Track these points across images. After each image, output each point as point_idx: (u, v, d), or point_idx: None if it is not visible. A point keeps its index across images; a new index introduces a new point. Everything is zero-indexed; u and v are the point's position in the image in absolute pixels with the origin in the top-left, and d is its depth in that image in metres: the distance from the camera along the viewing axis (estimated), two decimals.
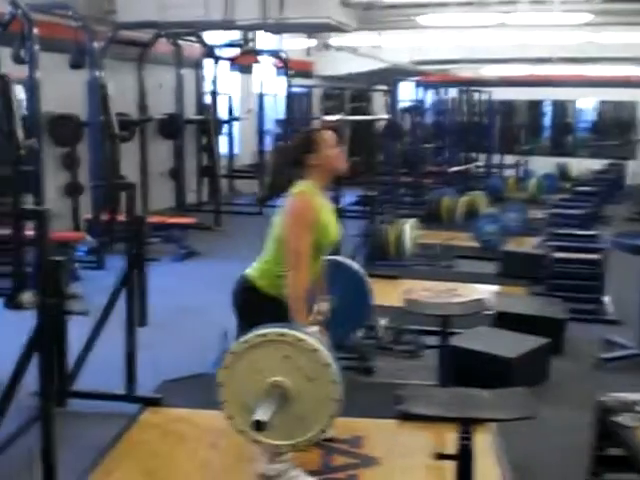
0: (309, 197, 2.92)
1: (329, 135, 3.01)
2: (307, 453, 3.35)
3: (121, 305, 3.91)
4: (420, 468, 3.35)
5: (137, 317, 3.93)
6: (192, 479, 3.22)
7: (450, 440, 3.54)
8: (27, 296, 5.44)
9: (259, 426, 2.28)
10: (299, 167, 2.99)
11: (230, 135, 11.95)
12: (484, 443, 3.42)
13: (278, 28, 8.88)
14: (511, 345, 4.48)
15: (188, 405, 3.97)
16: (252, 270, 3.03)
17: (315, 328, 2.87)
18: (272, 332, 2.44)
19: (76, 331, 3.78)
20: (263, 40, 11.47)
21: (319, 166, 2.97)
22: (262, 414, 2.29)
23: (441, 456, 2.64)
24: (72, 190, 8.52)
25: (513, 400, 2.75)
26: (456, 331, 4.53)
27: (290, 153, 3.04)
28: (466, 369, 4.24)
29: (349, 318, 3.74)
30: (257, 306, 2.96)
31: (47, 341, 2.82)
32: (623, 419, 2.69)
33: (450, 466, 2.74)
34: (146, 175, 10.00)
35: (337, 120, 9.88)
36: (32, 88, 5.87)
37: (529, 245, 8.98)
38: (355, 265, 3.98)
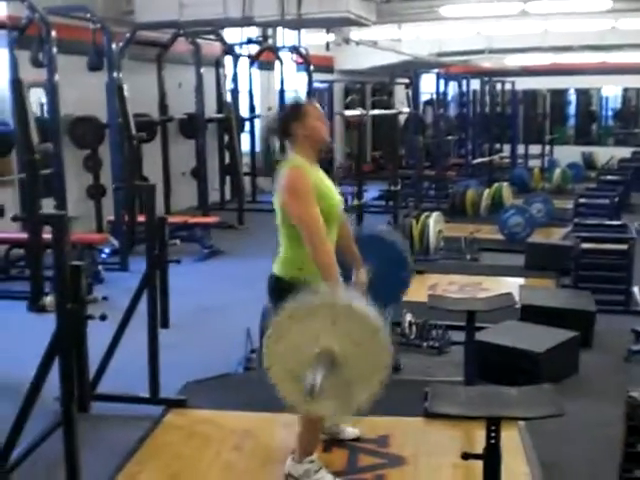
0: (301, 169, 2.96)
1: (315, 107, 3.11)
2: (333, 453, 3.32)
3: (143, 307, 3.90)
4: (448, 467, 3.28)
5: (159, 318, 3.91)
6: None
7: (479, 438, 3.49)
8: (50, 299, 5.48)
9: (311, 391, 2.24)
10: (287, 136, 3.06)
11: (252, 133, 11.93)
12: (512, 440, 3.35)
13: (297, 24, 8.83)
14: (539, 339, 4.40)
15: (212, 406, 3.94)
16: (276, 266, 3.06)
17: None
18: (320, 298, 2.39)
19: (99, 333, 3.76)
20: (283, 36, 11.42)
21: (306, 137, 3.02)
22: (313, 380, 2.26)
23: (468, 456, 2.58)
24: (95, 192, 8.56)
25: (540, 398, 2.68)
26: (483, 326, 4.46)
27: (279, 122, 3.10)
28: (493, 364, 4.17)
29: (386, 290, 3.61)
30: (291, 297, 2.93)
31: (67, 346, 2.81)
32: None
33: (479, 465, 2.68)
34: (168, 175, 10.02)
35: (359, 114, 9.80)
36: (51, 91, 5.90)
37: (556, 236, 8.88)
38: (393, 236, 3.93)
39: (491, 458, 2.55)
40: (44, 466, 3.25)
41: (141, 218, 7.60)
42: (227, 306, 6.03)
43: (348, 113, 10.74)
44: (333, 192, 3.07)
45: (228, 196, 11.31)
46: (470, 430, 3.60)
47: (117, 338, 3.96)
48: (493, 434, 2.54)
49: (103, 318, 3.00)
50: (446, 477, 3.21)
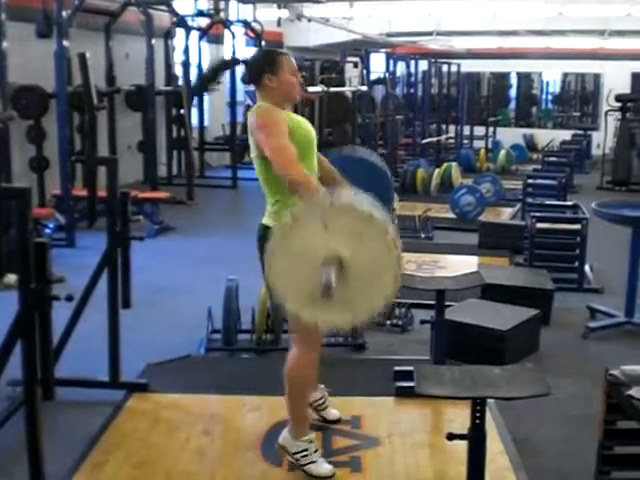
0: (269, 107, 2.84)
1: (289, 60, 2.93)
2: None
3: (99, 286, 3.71)
4: (423, 446, 3.26)
5: (120, 298, 3.74)
6: (189, 469, 3.04)
7: (450, 416, 3.49)
8: (13, 277, 5.14)
9: (328, 289, 2.17)
10: (256, 86, 2.91)
11: (200, 107, 11.67)
12: None
13: None
14: (503, 317, 4.43)
15: (176, 390, 3.79)
16: (266, 218, 2.93)
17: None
18: (299, 209, 2.31)
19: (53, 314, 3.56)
20: (237, 10, 11.15)
21: (275, 90, 2.87)
22: (326, 278, 2.19)
23: (453, 436, 2.54)
24: (38, 164, 8.20)
25: (525, 377, 2.66)
26: (446, 304, 4.45)
27: (250, 68, 2.94)
28: (457, 342, 4.16)
29: None
30: None
31: (30, 329, 2.62)
32: (636, 392, 2.62)
33: (454, 444, 2.64)
34: (115, 148, 9.70)
35: (319, 91, 9.68)
36: None
37: (504, 215, 9.02)
38: (375, 159, 3.87)
39: (477, 438, 2.52)
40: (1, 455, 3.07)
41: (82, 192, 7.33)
42: (182, 285, 5.86)
43: (311, 90, 10.55)
44: (307, 124, 2.95)
45: (175, 171, 11.06)
46: (440, 409, 3.60)
47: (75, 319, 3.76)
48: (478, 414, 2.51)
49: (69, 299, 2.82)
50: (422, 457, 3.17)
